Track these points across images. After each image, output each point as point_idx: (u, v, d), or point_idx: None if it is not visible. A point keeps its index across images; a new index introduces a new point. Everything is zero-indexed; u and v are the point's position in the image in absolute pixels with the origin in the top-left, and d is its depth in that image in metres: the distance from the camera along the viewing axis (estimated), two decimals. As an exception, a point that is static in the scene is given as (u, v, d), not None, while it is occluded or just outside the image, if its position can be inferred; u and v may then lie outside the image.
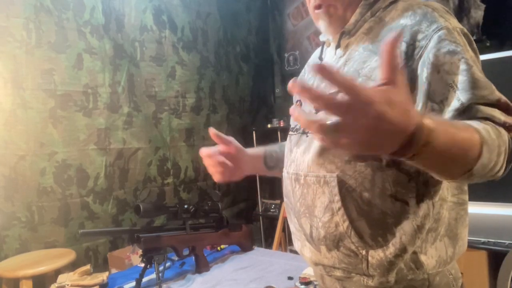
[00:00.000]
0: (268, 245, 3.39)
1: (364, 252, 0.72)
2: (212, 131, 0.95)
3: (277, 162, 1.09)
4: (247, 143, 3.55)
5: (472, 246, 1.98)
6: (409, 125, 0.48)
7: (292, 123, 0.93)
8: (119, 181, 2.63)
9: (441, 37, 0.66)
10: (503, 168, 0.61)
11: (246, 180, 3.83)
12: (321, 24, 0.82)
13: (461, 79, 0.64)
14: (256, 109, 3.79)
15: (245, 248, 1.87)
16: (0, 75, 2.10)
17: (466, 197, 0.79)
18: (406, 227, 0.70)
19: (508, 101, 0.64)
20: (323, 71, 0.44)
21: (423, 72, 0.66)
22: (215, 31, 3.36)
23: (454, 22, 0.70)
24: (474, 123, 0.58)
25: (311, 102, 0.46)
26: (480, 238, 1.97)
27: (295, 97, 0.95)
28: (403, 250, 0.70)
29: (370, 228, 0.72)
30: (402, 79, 0.48)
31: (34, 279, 1.88)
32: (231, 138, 0.99)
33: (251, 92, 3.76)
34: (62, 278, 1.55)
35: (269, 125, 3.56)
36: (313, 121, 0.46)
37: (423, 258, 0.72)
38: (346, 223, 0.73)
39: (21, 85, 2.16)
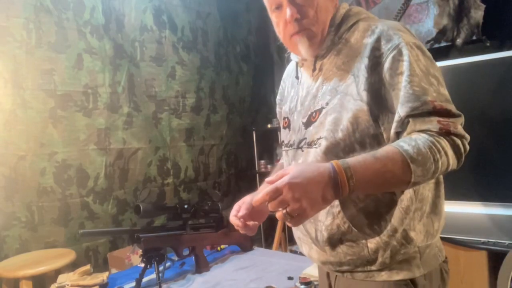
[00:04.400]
0: (268, 245, 3.38)
1: (364, 241, 0.85)
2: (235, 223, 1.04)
3: None
4: (247, 143, 3.56)
5: (472, 246, 1.98)
6: (323, 176, 0.69)
7: (285, 138, 1.02)
8: (119, 181, 2.63)
9: (395, 58, 0.79)
10: (455, 163, 0.75)
11: (246, 180, 3.82)
12: (301, 48, 0.90)
13: (401, 94, 0.77)
14: (256, 109, 3.79)
15: (245, 248, 1.87)
16: (0, 75, 2.10)
17: (441, 176, 0.89)
18: (395, 212, 0.83)
19: (444, 106, 0.76)
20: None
21: (381, 88, 0.80)
22: (215, 31, 3.36)
23: (407, 37, 0.81)
24: (405, 143, 0.72)
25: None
26: (480, 238, 1.96)
27: (282, 113, 1.07)
28: (394, 231, 0.83)
29: (368, 219, 0.84)
30: (281, 173, 0.70)
31: (34, 279, 1.88)
32: (249, 205, 1.06)
33: (251, 92, 3.76)
34: (62, 278, 1.56)
35: (269, 125, 3.56)
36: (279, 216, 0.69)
37: (412, 234, 0.84)
38: (347, 224, 0.85)
39: (21, 85, 2.16)
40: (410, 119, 0.75)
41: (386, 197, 0.83)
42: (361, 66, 0.82)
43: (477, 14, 2.31)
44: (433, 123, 0.74)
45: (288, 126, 1.01)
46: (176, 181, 3.00)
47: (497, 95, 1.95)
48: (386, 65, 0.79)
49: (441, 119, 0.74)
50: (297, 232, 0.99)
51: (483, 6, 2.30)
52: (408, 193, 0.82)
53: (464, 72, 2.03)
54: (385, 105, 0.80)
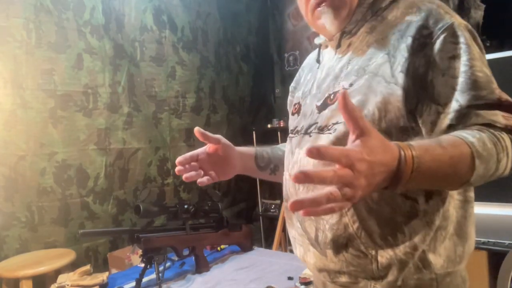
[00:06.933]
0: (268, 245, 3.38)
1: (373, 252, 0.70)
2: (197, 131, 0.86)
3: (268, 162, 1.07)
4: (247, 143, 3.55)
5: (472, 246, 1.98)
6: (393, 160, 0.54)
7: (292, 125, 0.90)
8: (119, 181, 2.63)
9: (446, 39, 0.67)
10: (509, 168, 0.63)
11: (246, 180, 3.81)
12: (325, 21, 0.79)
13: (461, 81, 0.65)
14: (256, 109, 3.79)
15: (245, 248, 1.87)
16: (0, 75, 2.10)
17: (472, 194, 0.77)
18: (416, 225, 0.69)
19: (510, 99, 0.65)
20: (317, 154, 0.48)
21: (428, 72, 0.67)
22: (215, 31, 3.36)
23: (459, 18, 0.70)
24: (468, 135, 0.59)
25: (319, 183, 0.49)
26: (480, 238, 1.96)
27: (293, 101, 0.96)
28: (413, 248, 0.69)
29: (380, 227, 0.70)
30: (367, 124, 0.52)
31: (34, 279, 1.88)
32: (218, 136, 0.93)
33: (251, 92, 3.76)
34: (62, 278, 1.55)
35: (269, 125, 3.56)
36: (327, 196, 0.49)
37: (431, 257, 0.70)
38: (356, 224, 0.71)
39: (21, 85, 2.16)
40: (472, 111, 0.63)
41: (406, 204, 0.69)
42: (401, 46, 0.70)
43: (477, 14, 2.31)
44: (498, 117, 0.62)
45: (297, 111, 0.90)
46: (176, 181, 3.00)
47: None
48: (437, 46, 0.67)
49: (505, 114, 0.63)
50: (292, 231, 0.85)
51: (483, 6, 2.29)
52: (434, 206, 0.69)
53: (464, 72, 2.03)
54: (429, 92, 0.67)
